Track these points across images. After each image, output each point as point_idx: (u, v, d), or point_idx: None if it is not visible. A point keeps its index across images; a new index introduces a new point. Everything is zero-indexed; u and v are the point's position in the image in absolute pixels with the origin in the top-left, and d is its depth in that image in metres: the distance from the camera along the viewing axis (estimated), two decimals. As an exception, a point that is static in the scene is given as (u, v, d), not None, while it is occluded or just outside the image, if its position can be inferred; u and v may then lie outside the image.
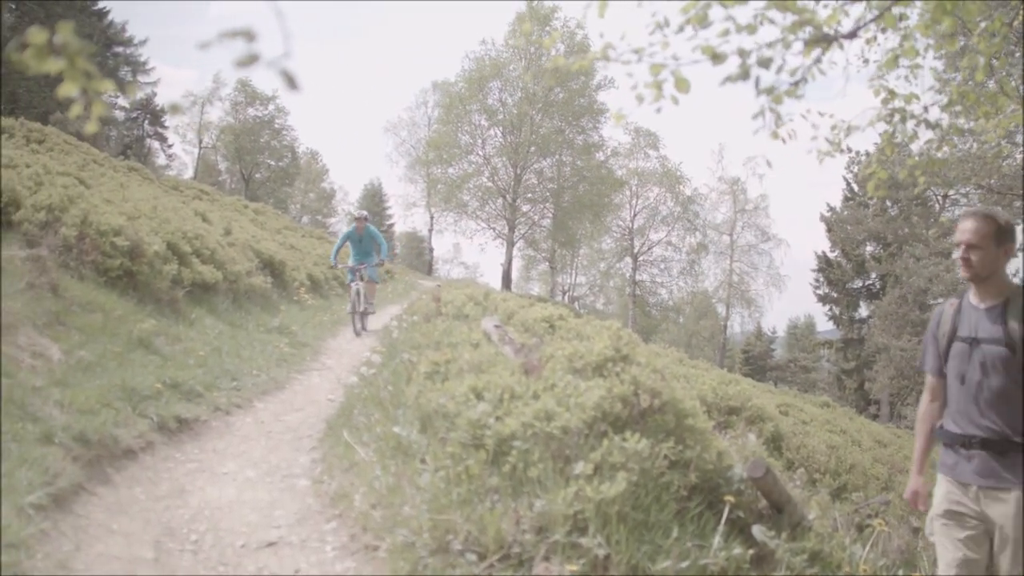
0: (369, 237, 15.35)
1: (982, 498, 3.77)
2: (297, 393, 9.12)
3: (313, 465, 6.26)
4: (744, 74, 3.65)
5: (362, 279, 14.77)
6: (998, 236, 3.80)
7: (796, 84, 4.26)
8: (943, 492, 3.97)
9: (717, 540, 4.19)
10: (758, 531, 4.51)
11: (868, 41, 6.20)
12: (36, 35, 1.85)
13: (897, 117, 5.76)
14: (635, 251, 60.02)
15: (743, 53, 3.72)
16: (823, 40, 4.27)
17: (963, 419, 3.88)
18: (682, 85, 3.60)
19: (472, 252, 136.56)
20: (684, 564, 3.89)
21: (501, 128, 51.33)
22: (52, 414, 5.46)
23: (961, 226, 3.91)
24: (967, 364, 3.87)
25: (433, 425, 5.23)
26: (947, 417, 4.03)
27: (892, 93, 5.74)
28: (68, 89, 1.92)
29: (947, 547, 3.92)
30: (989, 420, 3.76)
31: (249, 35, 1.78)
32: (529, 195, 52.64)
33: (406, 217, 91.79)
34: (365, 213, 15.84)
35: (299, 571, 4.41)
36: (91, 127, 2.07)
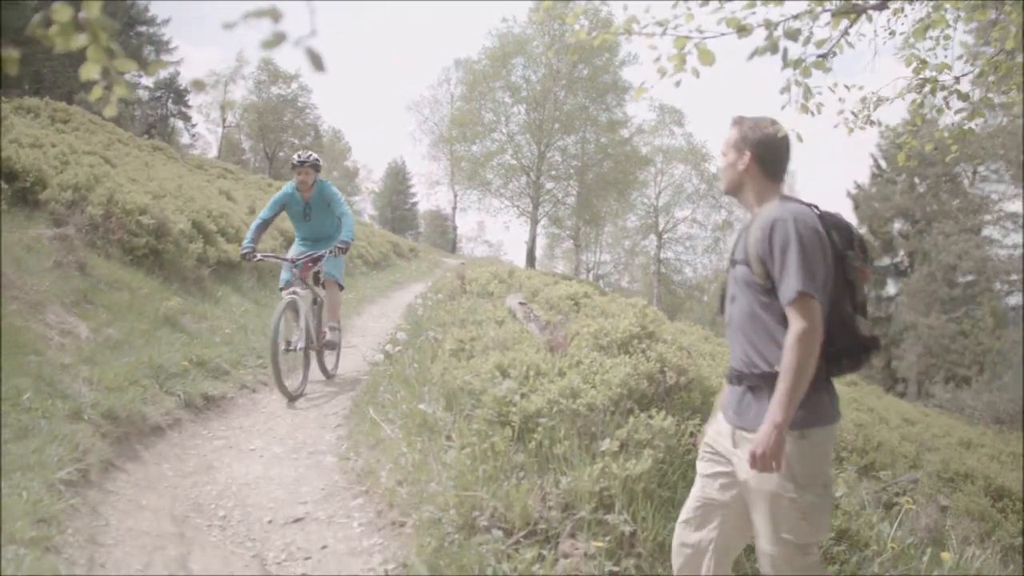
0: (323, 203, 8.53)
1: (736, 441, 3.24)
2: (322, 371, 9.16)
3: (339, 442, 6.29)
4: (772, 47, 3.59)
5: (318, 282, 8.54)
6: (737, 144, 3.35)
7: (824, 56, 4.20)
8: (712, 426, 3.49)
9: (744, 517, 4.18)
10: (785, 508, 4.48)
11: (895, 12, 6.09)
12: (61, 11, 1.84)
13: (928, 88, 5.68)
14: (660, 229, 59.74)
15: (770, 25, 3.67)
16: (851, 11, 4.21)
17: (730, 349, 3.44)
18: (706, 57, 3.55)
19: (496, 230, 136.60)
20: (711, 541, 3.88)
21: (525, 105, 51.13)
22: (81, 391, 5.52)
23: None
24: (729, 286, 3.41)
25: (459, 402, 5.23)
26: None
27: (924, 62, 5.65)
28: (90, 70, 1.91)
29: (696, 483, 3.47)
30: (739, 349, 3.29)
31: (275, 15, 1.77)
32: (553, 173, 52.48)
33: (429, 195, 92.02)
34: (314, 156, 8.56)
35: (326, 547, 4.43)
36: (109, 111, 2.05)
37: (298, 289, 7.82)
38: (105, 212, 9.86)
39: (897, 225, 44.44)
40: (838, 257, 3.16)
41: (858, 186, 46.58)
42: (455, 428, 4.95)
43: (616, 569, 3.78)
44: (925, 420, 18.63)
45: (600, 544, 3.79)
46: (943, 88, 5.75)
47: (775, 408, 2.91)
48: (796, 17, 3.86)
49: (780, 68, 3.95)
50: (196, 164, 28.49)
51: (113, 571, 3.76)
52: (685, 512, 3.44)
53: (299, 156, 8.51)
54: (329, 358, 8.70)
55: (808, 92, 4.42)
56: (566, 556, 3.79)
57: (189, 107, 59.40)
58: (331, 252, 8.14)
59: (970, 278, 38.66)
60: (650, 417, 4.49)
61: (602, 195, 52.03)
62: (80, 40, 1.87)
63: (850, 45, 4.29)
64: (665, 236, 59.94)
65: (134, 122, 49.03)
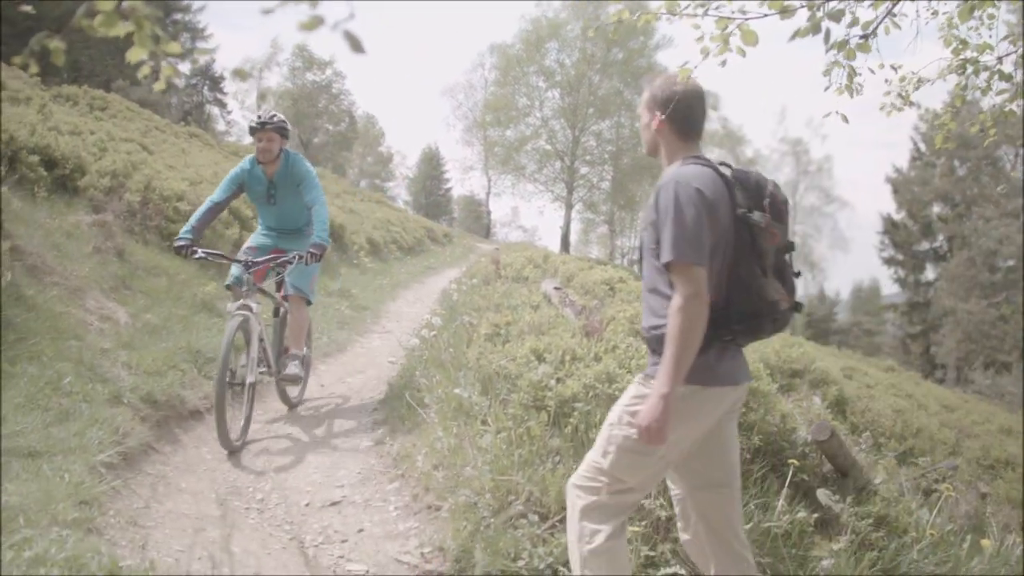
0: (291, 183, 6.47)
1: None
2: (359, 356, 9.20)
3: (375, 426, 6.31)
4: (814, 28, 3.54)
5: (279, 290, 6.78)
6: (648, 104, 3.23)
7: (865, 38, 4.13)
8: None
9: (781, 503, 4.16)
10: (823, 495, 4.46)
11: (940, -9, 5.97)
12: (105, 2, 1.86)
13: (970, 69, 5.57)
14: (695, 214, 59.29)
15: (812, 6, 3.61)
16: (895, -9, 4.13)
17: None
18: (749, 37, 3.50)
19: (530, 215, 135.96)
20: (747, 526, 3.85)
21: (559, 90, 50.97)
22: (120, 375, 5.59)
23: None
24: None
25: (494, 387, 5.23)
26: None
27: (964, 42, 5.54)
28: (137, 54, 1.94)
29: None
30: (644, 314, 3.19)
31: None
32: (587, 157, 52.26)
33: (463, 181, 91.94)
34: (279, 117, 6.44)
35: (362, 530, 4.46)
36: (159, 86, 2.10)
37: (251, 303, 5.80)
38: (143, 198, 9.97)
39: (936, 209, 43.87)
40: (739, 218, 3.02)
41: (897, 170, 46.04)
42: (491, 413, 4.95)
43: (652, 554, 3.77)
44: (964, 406, 18.44)
45: (636, 529, 3.78)
46: (985, 69, 5.63)
47: (660, 378, 2.81)
48: (839, -2, 3.80)
49: (824, 50, 3.89)
50: (232, 151, 28.56)
51: (154, 552, 3.81)
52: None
53: (260, 116, 6.37)
54: (291, 388, 6.80)
55: (853, 72, 4.37)
56: (602, 541, 3.78)
57: (225, 94, 59.70)
58: (299, 258, 6.07)
59: (1011, 263, 38.10)
60: (687, 402, 4.46)
61: (637, 180, 51.73)
62: (124, 27, 1.89)
63: (897, 26, 4.21)
64: (700, 221, 59.46)
65: (170, 109, 49.38)
